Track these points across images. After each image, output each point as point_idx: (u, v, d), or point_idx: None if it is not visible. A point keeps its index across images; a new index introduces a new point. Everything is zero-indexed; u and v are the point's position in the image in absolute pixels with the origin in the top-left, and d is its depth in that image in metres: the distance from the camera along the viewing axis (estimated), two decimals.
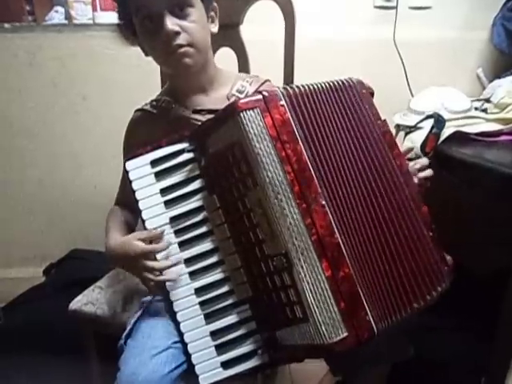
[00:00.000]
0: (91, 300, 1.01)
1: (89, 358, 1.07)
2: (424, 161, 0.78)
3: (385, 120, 0.75)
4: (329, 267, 0.62)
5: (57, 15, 1.54)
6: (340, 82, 0.72)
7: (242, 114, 0.63)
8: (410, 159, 0.79)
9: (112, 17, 1.46)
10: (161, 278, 0.71)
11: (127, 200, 0.89)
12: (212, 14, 0.86)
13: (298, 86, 0.68)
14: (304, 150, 0.65)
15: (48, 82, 1.52)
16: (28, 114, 1.55)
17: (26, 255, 1.68)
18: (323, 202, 0.64)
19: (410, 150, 0.81)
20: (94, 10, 1.47)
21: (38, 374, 1.15)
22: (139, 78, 1.44)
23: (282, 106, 0.65)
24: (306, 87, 0.69)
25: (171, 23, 0.76)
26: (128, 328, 0.77)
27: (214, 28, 0.87)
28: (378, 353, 0.76)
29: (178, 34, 0.76)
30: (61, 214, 1.65)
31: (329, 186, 0.65)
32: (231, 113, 0.65)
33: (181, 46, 0.77)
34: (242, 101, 0.65)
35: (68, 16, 1.52)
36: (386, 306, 0.66)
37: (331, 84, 0.71)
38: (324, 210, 0.63)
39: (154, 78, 1.12)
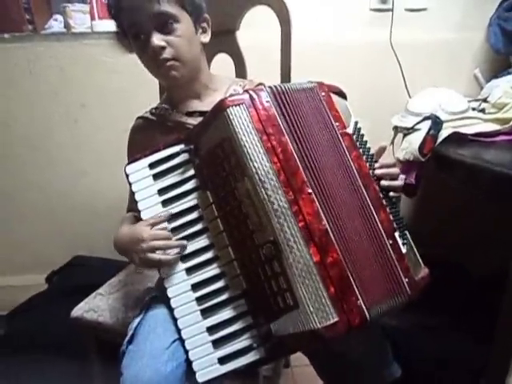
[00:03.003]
0: (93, 307, 1.02)
1: (92, 364, 1.07)
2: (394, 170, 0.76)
3: (356, 122, 0.76)
4: (317, 252, 0.63)
5: (56, 24, 1.56)
6: (304, 85, 0.73)
7: (228, 110, 0.67)
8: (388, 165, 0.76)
9: (110, 25, 1.44)
10: (162, 257, 0.73)
11: (136, 207, 0.90)
12: (204, 25, 0.90)
13: (280, 85, 0.71)
14: (289, 142, 0.67)
15: (47, 90, 1.53)
16: (28, 122, 1.56)
17: (27, 263, 1.69)
18: (309, 190, 0.66)
19: (383, 149, 0.78)
20: (93, 18, 1.49)
21: (41, 381, 1.15)
22: (137, 86, 1.44)
23: (268, 101, 0.68)
24: (286, 86, 0.71)
25: (157, 39, 0.81)
26: (129, 333, 0.78)
27: (206, 38, 0.91)
28: (365, 371, 0.77)
29: (163, 48, 0.82)
30: (61, 222, 1.65)
31: (314, 175, 0.67)
32: (219, 110, 0.68)
33: (167, 60, 0.82)
34: (229, 99, 0.68)
35: (67, 25, 1.53)
36: (376, 292, 0.66)
37: (300, 85, 0.73)
38: (311, 198, 0.65)
39: (152, 86, 1.13)
